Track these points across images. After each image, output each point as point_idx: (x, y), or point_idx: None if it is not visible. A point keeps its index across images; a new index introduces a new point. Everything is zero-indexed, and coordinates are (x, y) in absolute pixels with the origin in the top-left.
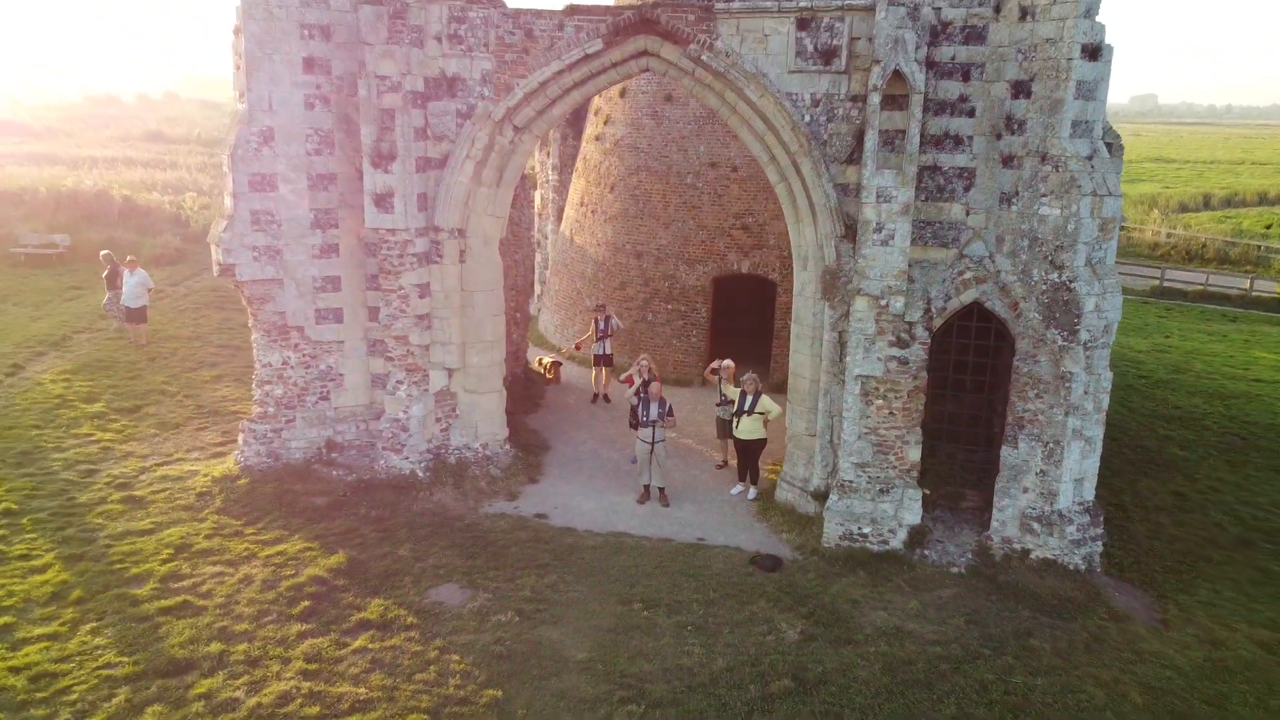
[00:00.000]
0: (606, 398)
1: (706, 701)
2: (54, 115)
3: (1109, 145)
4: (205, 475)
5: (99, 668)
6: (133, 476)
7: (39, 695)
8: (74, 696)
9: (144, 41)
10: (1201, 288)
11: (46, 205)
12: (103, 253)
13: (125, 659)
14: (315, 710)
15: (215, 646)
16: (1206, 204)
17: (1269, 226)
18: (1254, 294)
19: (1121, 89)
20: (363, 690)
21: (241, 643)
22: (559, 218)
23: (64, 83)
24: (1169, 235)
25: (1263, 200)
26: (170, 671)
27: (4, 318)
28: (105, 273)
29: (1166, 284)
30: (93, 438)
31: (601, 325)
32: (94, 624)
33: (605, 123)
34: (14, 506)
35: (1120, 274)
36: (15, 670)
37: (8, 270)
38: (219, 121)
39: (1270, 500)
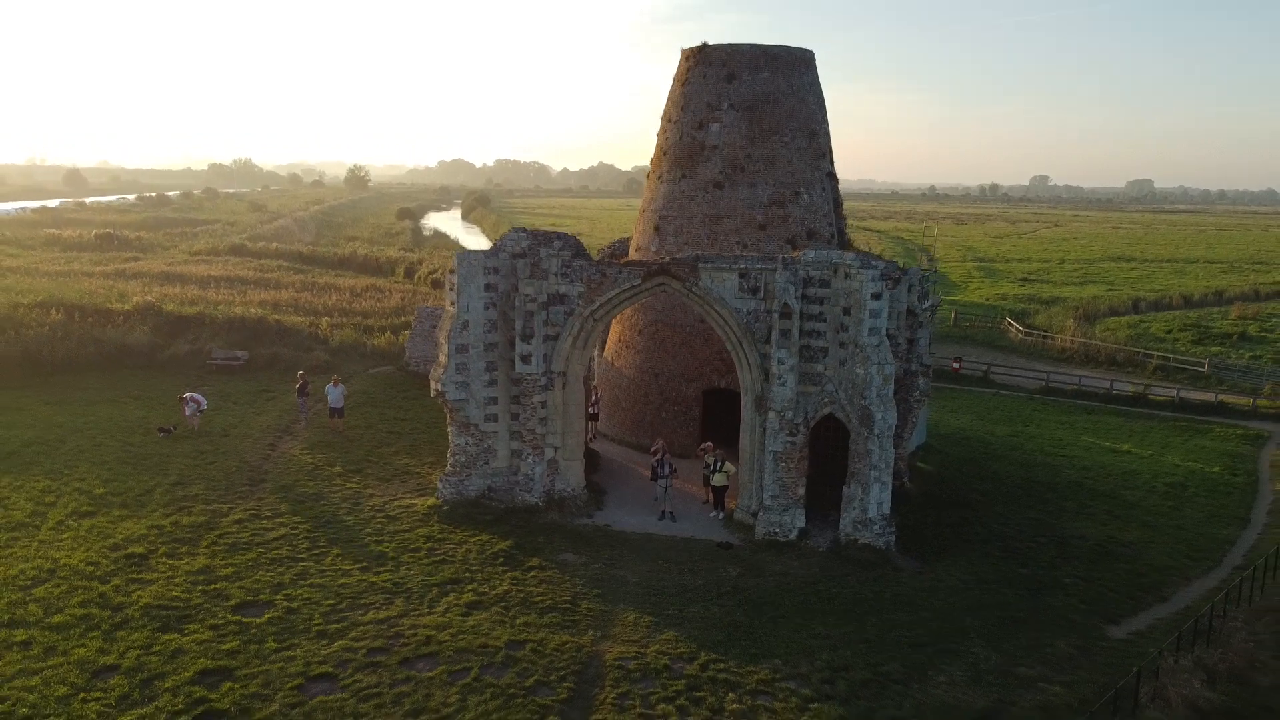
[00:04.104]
0: (594, 429)
1: (693, 595)
2: (122, 219)
3: (927, 312)
4: (422, 505)
5: (420, 579)
6: (382, 506)
7: (400, 588)
8: (414, 587)
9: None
10: (1076, 386)
11: (223, 327)
12: (299, 371)
13: (431, 578)
14: (521, 595)
15: (466, 574)
16: (1135, 308)
17: (1169, 331)
18: (1114, 392)
19: (1118, 174)
20: (540, 589)
21: (478, 573)
22: (602, 347)
23: (78, 154)
24: (1073, 341)
25: (1187, 303)
26: (453, 582)
27: (236, 412)
28: (298, 385)
29: (1051, 384)
30: (346, 487)
31: (594, 399)
32: (408, 563)
33: None
34: (330, 518)
35: (1017, 375)
36: (385, 581)
37: (208, 376)
38: (271, 227)
39: (1016, 523)
